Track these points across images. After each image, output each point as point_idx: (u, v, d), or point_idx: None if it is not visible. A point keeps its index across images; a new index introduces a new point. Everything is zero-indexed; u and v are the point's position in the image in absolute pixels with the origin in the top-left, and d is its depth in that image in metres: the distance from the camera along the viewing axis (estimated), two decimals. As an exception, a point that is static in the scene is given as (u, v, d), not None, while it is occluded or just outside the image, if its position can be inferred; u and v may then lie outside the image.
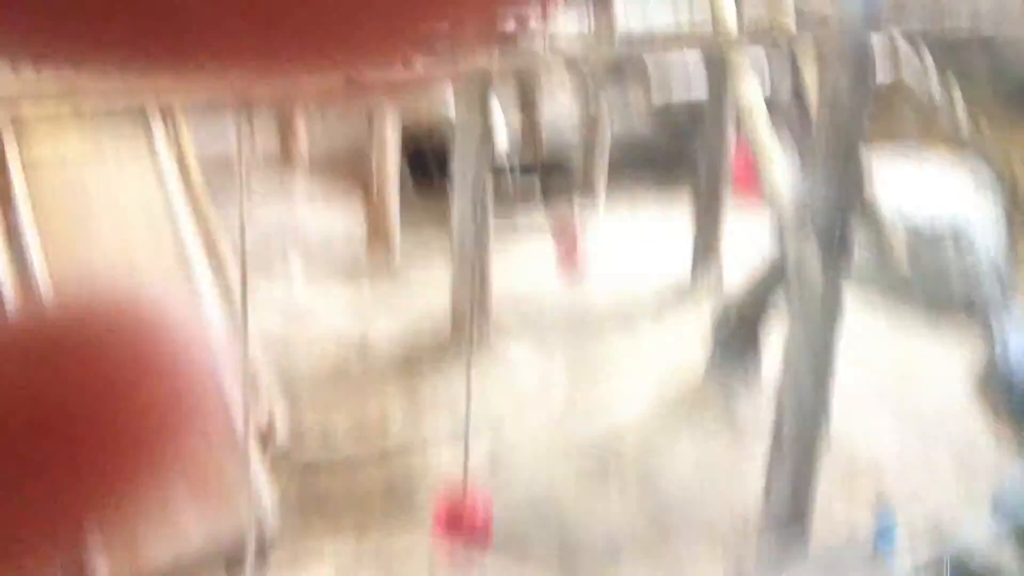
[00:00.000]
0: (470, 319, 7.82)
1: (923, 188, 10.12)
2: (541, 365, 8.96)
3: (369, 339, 9.09)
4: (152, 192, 6.50)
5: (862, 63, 6.04)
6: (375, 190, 9.58)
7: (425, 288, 9.56)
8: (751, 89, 7.05)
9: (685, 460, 7.85)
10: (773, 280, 7.22)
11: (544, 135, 11.79)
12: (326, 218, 10.85)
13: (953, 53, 8.15)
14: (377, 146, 9.50)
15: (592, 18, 7.48)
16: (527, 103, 11.58)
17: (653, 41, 7.99)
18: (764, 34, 7.56)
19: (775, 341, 7.18)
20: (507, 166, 10.75)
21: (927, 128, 11.67)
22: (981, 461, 8.02)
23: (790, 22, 7.57)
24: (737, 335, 8.18)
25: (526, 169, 11.27)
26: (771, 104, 7.09)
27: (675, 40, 8.20)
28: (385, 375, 8.66)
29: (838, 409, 7.97)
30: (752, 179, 7.26)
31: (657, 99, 11.19)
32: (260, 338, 6.92)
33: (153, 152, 6.55)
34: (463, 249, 7.87)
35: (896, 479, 7.79)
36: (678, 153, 11.15)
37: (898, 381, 8.88)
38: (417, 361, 8.86)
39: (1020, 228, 10.80)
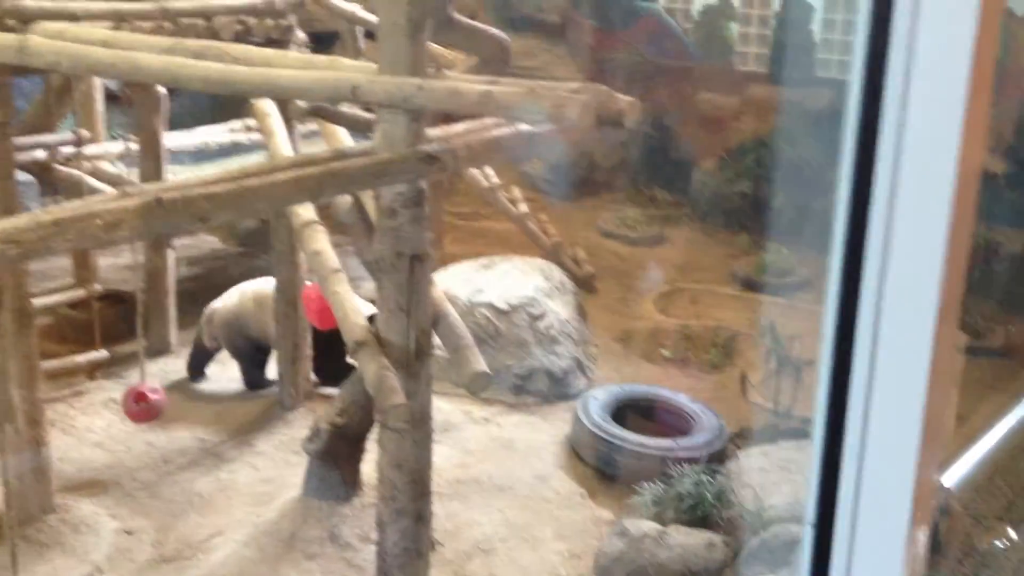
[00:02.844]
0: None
1: (496, 280, 10.65)
2: (121, 520, 8.06)
3: None
4: None
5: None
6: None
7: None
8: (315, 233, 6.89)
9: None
10: (365, 393, 7.07)
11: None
12: None
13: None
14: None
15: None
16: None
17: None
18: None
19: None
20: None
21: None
22: (580, 520, 8.45)
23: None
24: (332, 450, 7.92)
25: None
26: (335, 224, 6.95)
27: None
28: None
29: (444, 504, 8.02)
30: (326, 313, 7.08)
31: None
32: None
33: None
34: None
35: (505, 555, 7.98)
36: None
37: (494, 463, 9.13)
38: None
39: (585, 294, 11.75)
